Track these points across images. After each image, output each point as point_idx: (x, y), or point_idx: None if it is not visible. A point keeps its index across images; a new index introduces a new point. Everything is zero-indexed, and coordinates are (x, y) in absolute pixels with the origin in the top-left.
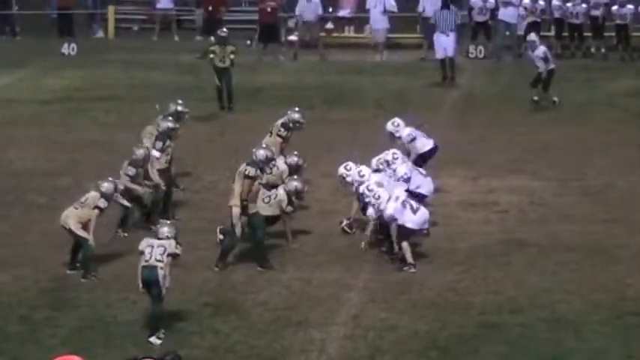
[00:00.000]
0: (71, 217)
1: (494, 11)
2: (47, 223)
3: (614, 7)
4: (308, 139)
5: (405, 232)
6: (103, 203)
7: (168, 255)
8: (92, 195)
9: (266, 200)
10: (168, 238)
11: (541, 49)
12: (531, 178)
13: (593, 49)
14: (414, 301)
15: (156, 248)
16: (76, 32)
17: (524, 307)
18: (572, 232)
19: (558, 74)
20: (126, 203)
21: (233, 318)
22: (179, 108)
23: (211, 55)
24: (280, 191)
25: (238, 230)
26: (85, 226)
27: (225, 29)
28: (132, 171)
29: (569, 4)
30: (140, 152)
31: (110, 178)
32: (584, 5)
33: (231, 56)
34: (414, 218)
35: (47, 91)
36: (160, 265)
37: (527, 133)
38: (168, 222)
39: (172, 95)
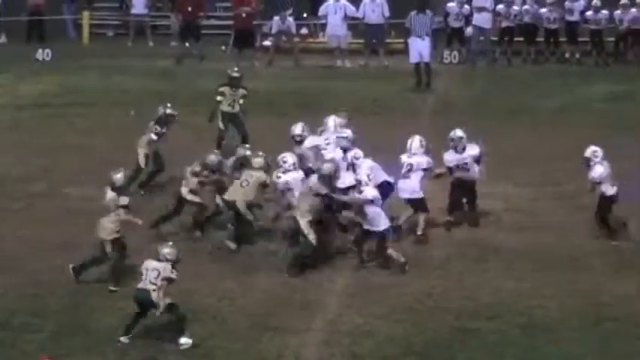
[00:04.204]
0: (104, 228)
1: (468, 17)
2: (23, 229)
3: (589, 13)
4: (282, 143)
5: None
6: (123, 200)
7: (163, 279)
8: (109, 196)
9: (244, 184)
10: (167, 260)
11: (476, 150)
12: (507, 183)
13: (567, 55)
14: (390, 306)
15: (150, 271)
16: (49, 37)
17: (501, 312)
18: (548, 237)
19: (534, 79)
20: (197, 199)
21: (210, 323)
22: (168, 111)
23: (219, 98)
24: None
25: (312, 237)
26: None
27: (236, 69)
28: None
29: (544, 10)
30: (212, 158)
31: (121, 168)
32: (560, 10)
33: (241, 101)
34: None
35: (23, 96)
36: (152, 287)
37: (502, 139)
38: (171, 243)
39: (148, 100)
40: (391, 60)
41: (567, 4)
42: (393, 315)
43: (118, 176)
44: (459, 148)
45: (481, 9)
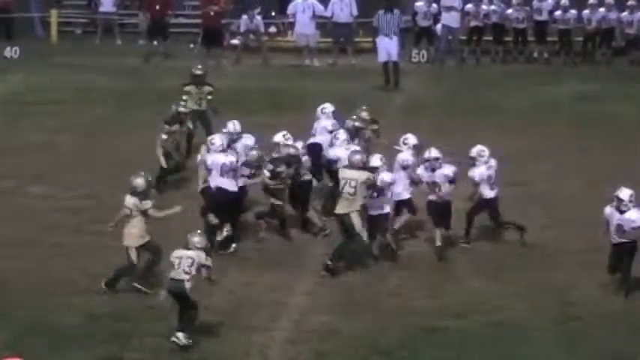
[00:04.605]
0: (129, 235)
1: (437, 16)
2: None
3: (558, 12)
4: None
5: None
6: (146, 204)
7: (199, 266)
8: (131, 202)
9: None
10: (197, 248)
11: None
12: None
13: (535, 54)
14: (356, 305)
15: (184, 259)
16: (17, 35)
17: (467, 311)
18: (515, 236)
19: (502, 78)
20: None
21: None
22: (180, 109)
23: (185, 97)
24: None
25: (364, 234)
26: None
27: (200, 66)
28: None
29: (510, 10)
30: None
31: (142, 172)
32: (527, 9)
33: (209, 97)
34: None
35: None
36: (186, 277)
37: (470, 138)
38: (199, 231)
39: (116, 99)
40: (359, 59)
41: (535, 3)
42: (358, 314)
43: (139, 181)
44: (436, 168)
45: (449, 8)
